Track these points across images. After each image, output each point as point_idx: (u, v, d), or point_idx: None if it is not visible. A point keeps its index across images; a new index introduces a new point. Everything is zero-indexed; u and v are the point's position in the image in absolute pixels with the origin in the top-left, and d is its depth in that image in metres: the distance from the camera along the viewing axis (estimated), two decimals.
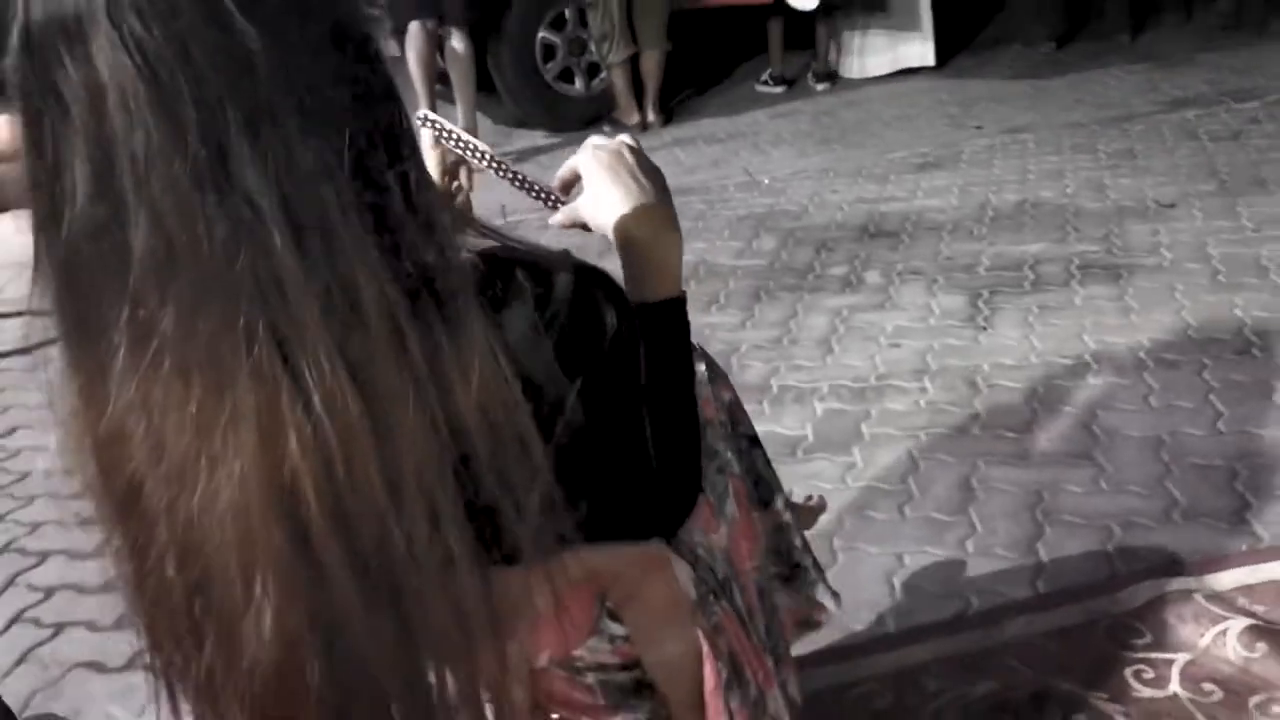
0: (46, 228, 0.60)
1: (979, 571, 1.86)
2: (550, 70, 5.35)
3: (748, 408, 1.52)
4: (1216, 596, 1.69)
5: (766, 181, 4.22)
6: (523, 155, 4.89)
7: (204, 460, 0.59)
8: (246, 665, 0.64)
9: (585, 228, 0.97)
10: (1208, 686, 1.54)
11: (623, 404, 0.78)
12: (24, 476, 2.57)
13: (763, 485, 1.36)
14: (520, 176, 1.02)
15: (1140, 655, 1.61)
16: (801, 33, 5.68)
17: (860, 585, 1.85)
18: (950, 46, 5.68)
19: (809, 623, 1.44)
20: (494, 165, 1.01)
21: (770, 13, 5.53)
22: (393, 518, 0.63)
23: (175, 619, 0.66)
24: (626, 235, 0.88)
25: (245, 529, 0.60)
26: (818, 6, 5.31)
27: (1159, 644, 1.63)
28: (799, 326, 2.89)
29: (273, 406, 0.58)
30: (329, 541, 0.61)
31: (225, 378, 0.58)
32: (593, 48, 5.30)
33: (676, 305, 0.92)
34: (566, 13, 5.33)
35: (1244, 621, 1.62)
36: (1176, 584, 1.73)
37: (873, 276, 3.15)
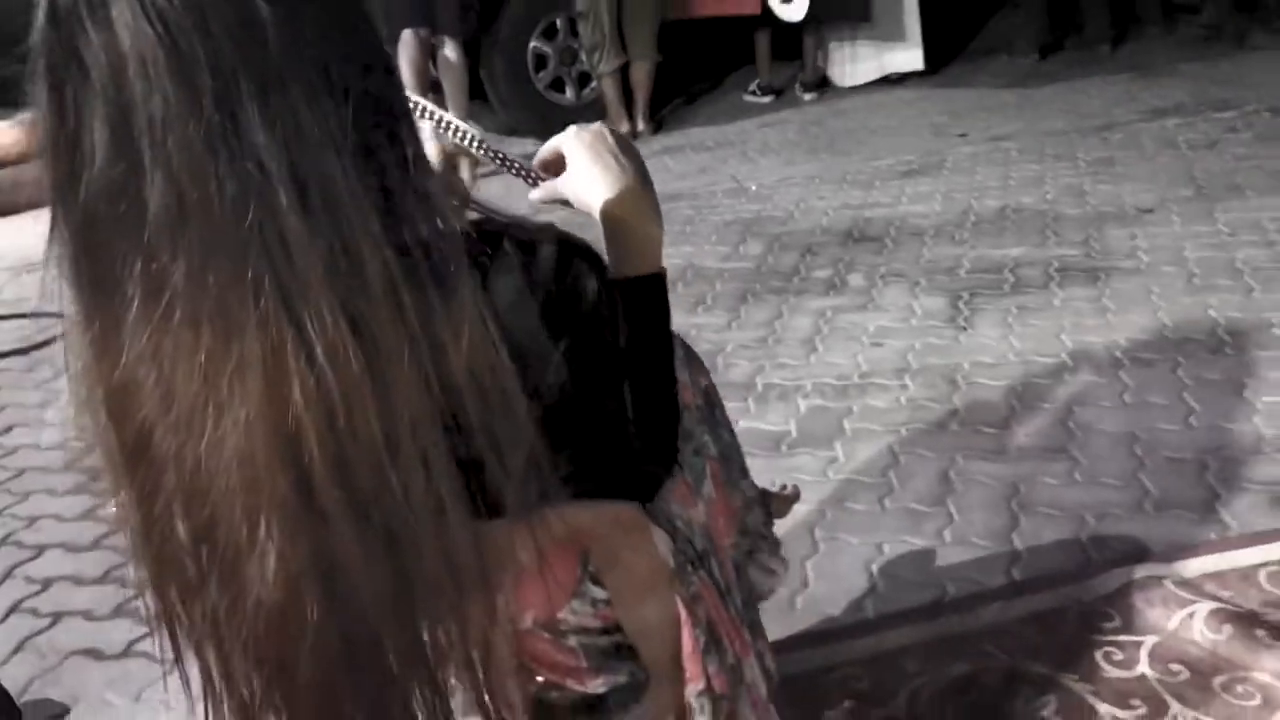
0: (64, 190, 0.65)
1: (956, 560, 1.91)
2: (542, 79, 5.41)
3: (733, 405, 1.58)
4: (1185, 582, 1.74)
5: (754, 188, 4.29)
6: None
7: (212, 407, 0.64)
8: (250, 606, 0.68)
9: (566, 204, 1.02)
10: (1175, 667, 1.59)
11: (602, 367, 0.83)
12: (21, 473, 2.61)
13: (733, 466, 1.40)
14: (503, 156, 1.07)
15: (1110, 638, 1.66)
16: (789, 44, 5.76)
17: (840, 574, 1.90)
18: (937, 57, 5.76)
19: (764, 594, 1.48)
20: (480, 148, 1.06)
21: (758, 24, 5.61)
22: (389, 467, 0.68)
23: (181, 565, 0.71)
24: (610, 212, 0.93)
25: (251, 474, 0.65)
26: (804, 18, 5.38)
27: (1128, 627, 1.68)
28: (784, 327, 2.95)
29: (278, 356, 0.63)
30: (330, 487, 0.66)
31: (233, 328, 0.62)
32: (584, 57, 5.36)
33: (656, 281, 0.97)
34: (558, 23, 5.39)
35: (1210, 605, 1.67)
36: (1146, 571, 1.78)
37: (856, 279, 3.21)
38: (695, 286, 3.31)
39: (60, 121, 0.63)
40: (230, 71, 0.61)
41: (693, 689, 1.06)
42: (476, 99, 5.23)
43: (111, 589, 2.12)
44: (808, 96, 5.74)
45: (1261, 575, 1.75)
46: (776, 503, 1.58)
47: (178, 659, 0.77)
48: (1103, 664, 1.61)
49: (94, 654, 1.94)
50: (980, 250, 3.30)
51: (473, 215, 0.79)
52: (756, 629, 1.35)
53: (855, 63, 5.77)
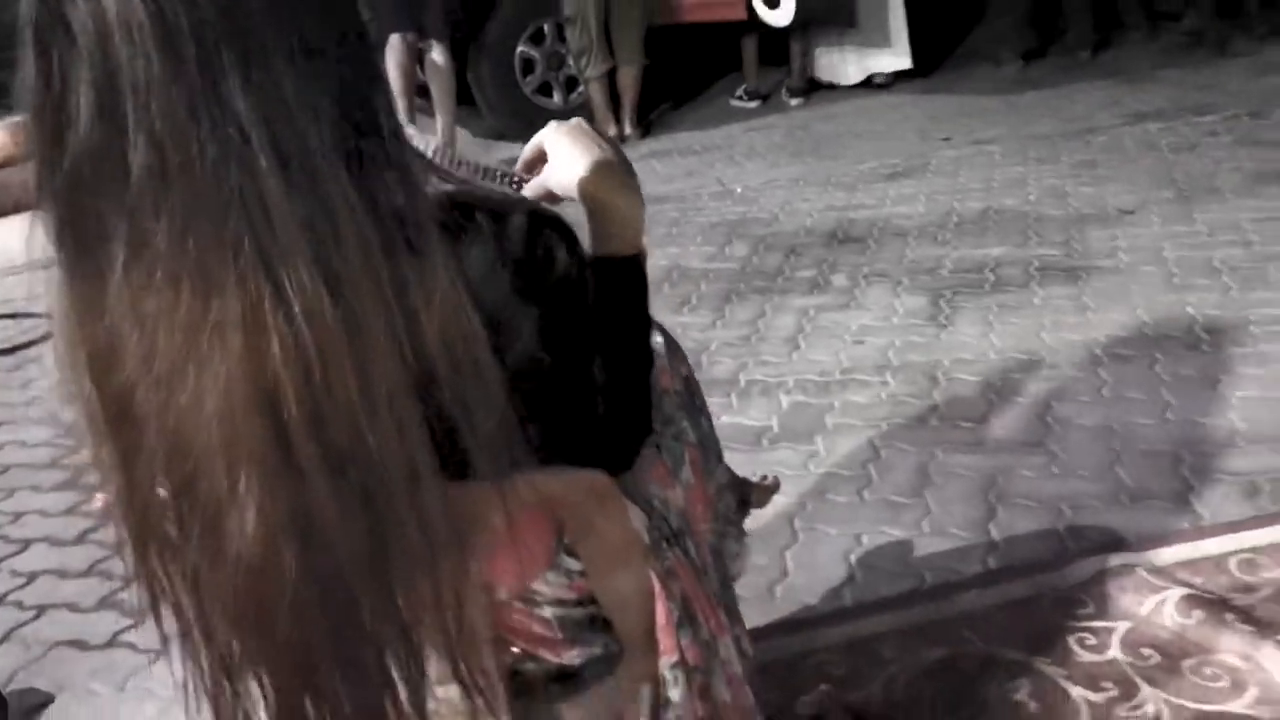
0: (50, 153, 0.67)
1: (934, 550, 1.93)
2: (529, 84, 5.44)
3: (716, 402, 1.60)
4: (1157, 570, 1.77)
5: (739, 190, 4.32)
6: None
7: (192, 365, 0.66)
8: (230, 561, 0.70)
9: (553, 199, 1.04)
10: (1145, 651, 1.61)
11: (573, 336, 0.85)
12: (6, 469, 2.63)
13: (710, 453, 1.42)
14: (483, 168, 1.08)
15: (1083, 624, 1.69)
16: (776, 50, 5.80)
17: (819, 563, 1.92)
18: (923, 64, 5.80)
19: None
20: (457, 164, 1.08)
21: (744, 30, 5.65)
22: (365, 426, 0.70)
23: (162, 523, 0.73)
24: (591, 191, 0.96)
25: (230, 429, 0.67)
26: (790, 23, 5.43)
27: (1101, 614, 1.70)
28: (767, 325, 2.97)
29: (257, 314, 0.65)
30: (307, 443, 0.68)
31: (213, 288, 0.65)
32: (571, 62, 5.39)
33: (635, 263, 1.00)
34: (545, 28, 5.43)
35: (1182, 591, 1.69)
36: (1120, 559, 1.80)
37: (839, 279, 3.24)
38: (681, 287, 3.33)
39: (46, 86, 0.65)
40: (213, 40, 0.63)
41: (666, 661, 1.09)
42: (464, 104, 5.26)
43: (96, 582, 2.13)
44: (794, 102, 5.78)
45: (1232, 563, 1.78)
46: (757, 493, 1.60)
47: (157, 619, 0.78)
48: (1076, 649, 1.64)
49: (79, 645, 1.95)
50: (962, 250, 3.33)
51: (447, 187, 0.81)
52: (733, 613, 1.37)
53: (843, 65, 5.81)
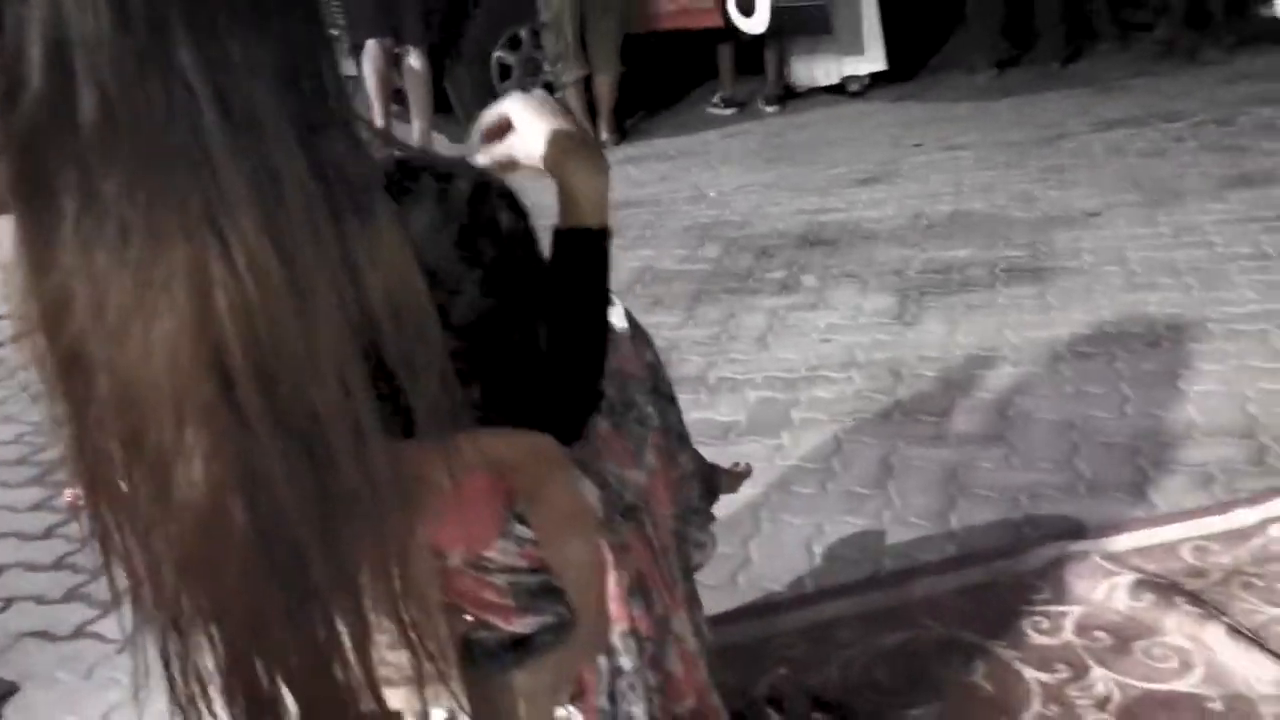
0: (5, 108, 0.69)
1: (894, 539, 1.96)
2: (506, 90, 5.45)
3: (685, 397, 1.62)
4: (1112, 556, 1.80)
5: (713, 194, 4.35)
6: None
7: (140, 317, 0.68)
8: (178, 511, 0.72)
9: (514, 167, 1.07)
10: (1098, 633, 1.64)
11: (517, 299, 0.88)
12: None
13: (674, 439, 1.45)
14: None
15: (1038, 609, 1.72)
16: (753, 58, 5.85)
17: (781, 552, 1.95)
18: (897, 73, 5.85)
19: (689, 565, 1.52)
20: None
21: (720, 37, 5.70)
22: (309, 379, 0.72)
23: (112, 474, 0.74)
24: (558, 162, 0.99)
25: (177, 380, 0.69)
26: (766, 31, 5.48)
27: (1056, 598, 1.73)
28: (737, 325, 3.00)
29: (203, 267, 0.67)
30: (252, 395, 0.70)
31: (161, 241, 0.67)
32: (547, 68, 5.43)
33: (599, 236, 1.03)
34: (522, 34, 5.46)
35: (1134, 576, 1.73)
36: (1076, 547, 1.84)
37: (809, 280, 3.27)
38: (652, 287, 3.36)
39: (0, 42, 0.68)
40: (162, 0, 0.66)
41: (618, 629, 1.11)
42: (440, 110, 5.28)
43: (63, 575, 2.14)
44: (770, 109, 5.83)
45: (1184, 549, 1.81)
46: (728, 479, 1.62)
47: (109, 574, 0.80)
48: (1030, 632, 1.67)
49: (45, 636, 1.96)
50: (930, 252, 3.37)
51: (394, 152, 0.83)
52: (693, 598, 1.40)
53: (818, 71, 5.87)
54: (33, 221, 0.70)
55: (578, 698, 1.21)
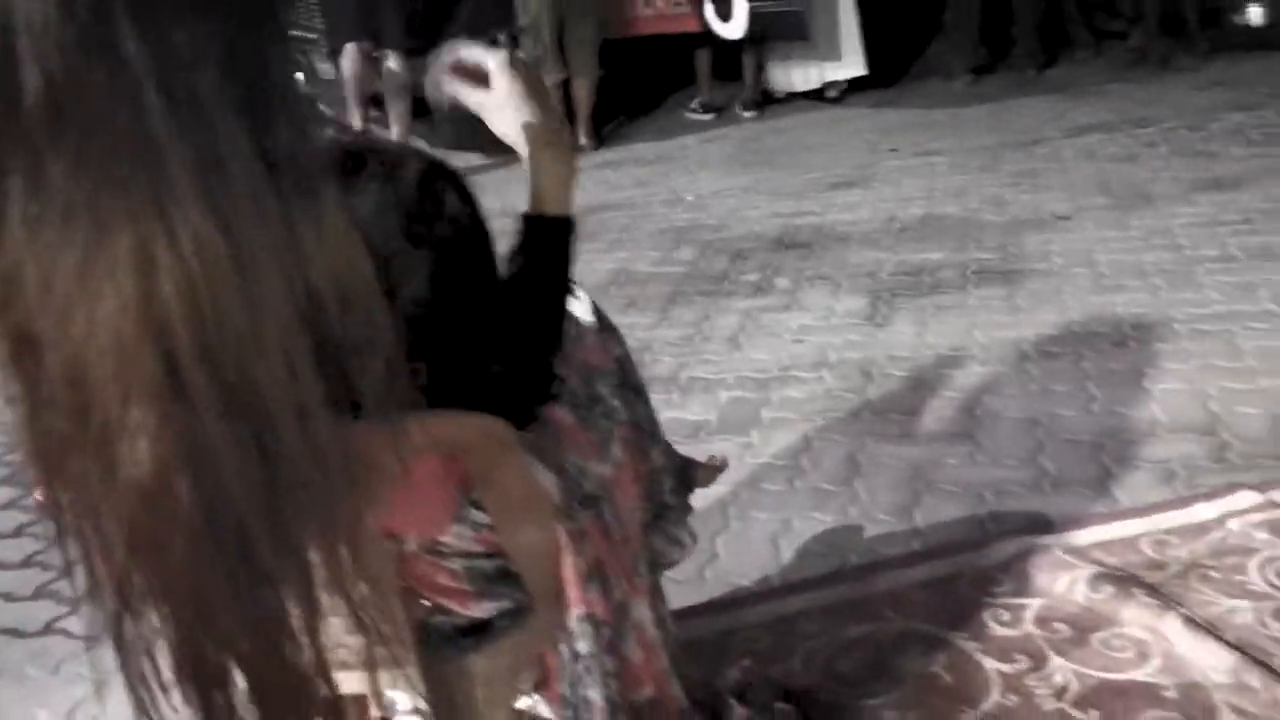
0: None
1: (861, 535, 1.98)
2: None
3: (657, 397, 1.64)
4: (1073, 550, 1.82)
5: (690, 198, 4.38)
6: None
7: (86, 297, 0.69)
8: (123, 487, 0.73)
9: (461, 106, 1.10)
10: (1057, 625, 1.66)
11: (465, 282, 0.89)
12: None
13: (644, 434, 1.46)
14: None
15: (1000, 601, 1.74)
16: (733, 64, 5.89)
17: (749, 547, 1.97)
18: (874, 80, 5.88)
19: (668, 561, 1.53)
20: None
21: (698, 43, 5.73)
22: (253, 358, 0.73)
23: (62, 451, 0.75)
24: (533, 153, 1.01)
25: (123, 359, 0.70)
26: (743, 36, 5.51)
27: (1017, 591, 1.76)
28: (710, 326, 3.03)
29: (147, 250, 0.68)
30: (197, 375, 0.71)
31: (106, 223, 0.68)
32: None
33: (563, 224, 1.05)
34: (500, 38, 5.46)
35: (1094, 569, 1.75)
36: (1038, 541, 1.86)
37: (782, 282, 3.30)
38: (627, 289, 3.38)
39: None
40: None
41: (575, 613, 1.12)
42: (419, 115, 5.29)
43: (32, 573, 2.14)
44: (748, 114, 5.86)
45: (1144, 543, 1.84)
46: (703, 472, 1.64)
47: (64, 550, 0.81)
48: (991, 624, 1.69)
49: (14, 632, 1.97)
50: (902, 255, 3.40)
51: (343, 137, 0.85)
52: (657, 593, 1.41)
53: (796, 77, 5.90)
54: None
55: (541, 685, 1.23)
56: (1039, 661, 1.59)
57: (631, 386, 1.43)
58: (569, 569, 1.11)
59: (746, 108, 5.88)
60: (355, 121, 4.93)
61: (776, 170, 4.71)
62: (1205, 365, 2.44)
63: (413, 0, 5.00)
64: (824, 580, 1.84)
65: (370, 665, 0.91)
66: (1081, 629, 1.65)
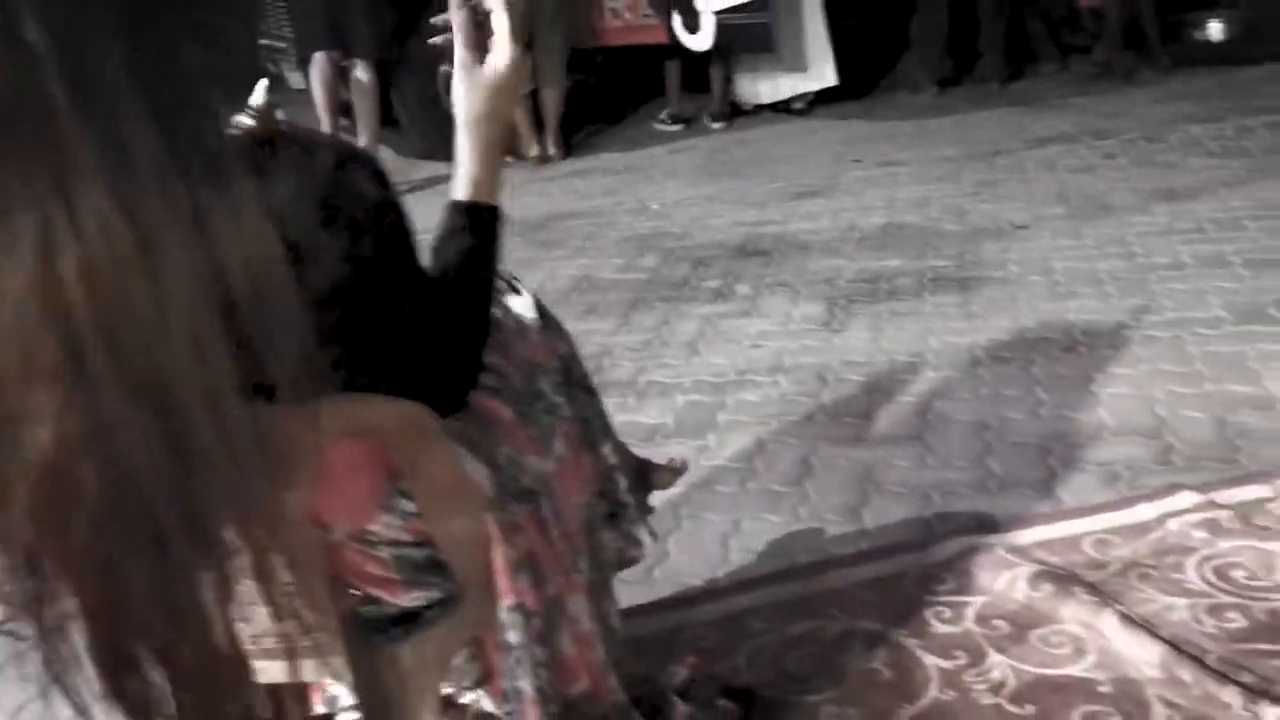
0: None
1: (809, 535, 2.00)
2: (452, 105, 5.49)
3: (613, 401, 1.66)
4: (1016, 549, 1.85)
5: (655, 207, 4.41)
6: (426, 186, 5.01)
7: None
8: (27, 469, 0.74)
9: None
10: (997, 622, 1.69)
11: (383, 266, 0.91)
12: None
13: (593, 431, 1.47)
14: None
15: (941, 599, 1.76)
16: (702, 76, 5.93)
17: (699, 547, 1.99)
18: (848, 90, 5.93)
19: (626, 559, 1.55)
20: None
21: (667, 55, 5.76)
22: (158, 340, 0.74)
23: None
24: (481, 146, 1.03)
25: (23, 342, 0.71)
26: (711, 48, 5.55)
27: (959, 589, 1.78)
28: (670, 331, 3.05)
29: (49, 232, 0.69)
30: (100, 358, 0.72)
31: (9, 207, 0.69)
32: None
33: (491, 212, 1.09)
34: None
35: (1035, 567, 1.77)
36: (981, 540, 1.88)
37: (743, 289, 3.33)
38: (589, 295, 3.40)
39: None
40: None
41: (505, 604, 1.13)
42: (387, 124, 5.30)
43: None
44: (716, 125, 5.90)
45: (1086, 542, 1.86)
46: (662, 474, 1.66)
47: None
48: (932, 621, 1.71)
49: None
50: (861, 263, 3.44)
51: (255, 123, 0.86)
52: (605, 590, 1.42)
53: (764, 88, 5.94)
54: None
55: (484, 681, 1.24)
56: (977, 658, 1.61)
57: (579, 384, 1.45)
58: (499, 559, 1.12)
59: (715, 119, 5.92)
60: (325, 130, 4.94)
61: (742, 180, 4.74)
62: (1154, 370, 2.47)
63: (381, 9, 5.02)
64: (771, 579, 1.86)
65: (291, 654, 0.92)
66: (1020, 626, 1.67)
